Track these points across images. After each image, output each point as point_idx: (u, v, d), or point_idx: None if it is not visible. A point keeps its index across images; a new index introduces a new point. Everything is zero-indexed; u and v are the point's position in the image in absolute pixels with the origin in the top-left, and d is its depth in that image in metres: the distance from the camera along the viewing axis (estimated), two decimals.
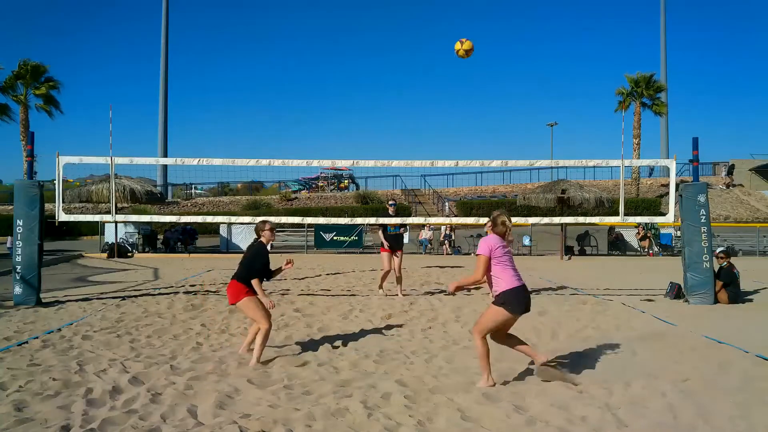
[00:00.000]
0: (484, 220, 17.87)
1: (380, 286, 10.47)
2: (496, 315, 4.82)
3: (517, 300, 4.80)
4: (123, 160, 10.09)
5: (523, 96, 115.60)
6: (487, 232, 5.03)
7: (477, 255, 4.88)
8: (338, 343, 6.53)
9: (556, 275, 13.83)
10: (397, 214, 10.78)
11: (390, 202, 11.03)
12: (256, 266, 5.72)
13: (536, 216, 21.01)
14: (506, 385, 4.97)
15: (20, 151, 29.28)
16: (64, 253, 18.98)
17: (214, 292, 10.52)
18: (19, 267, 8.84)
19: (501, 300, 4.78)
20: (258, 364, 5.55)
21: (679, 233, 15.04)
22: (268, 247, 5.97)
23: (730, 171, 40.13)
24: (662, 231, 21.29)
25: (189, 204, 38.18)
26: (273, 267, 6.01)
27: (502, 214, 4.95)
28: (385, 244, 10.24)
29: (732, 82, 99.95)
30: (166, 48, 46.72)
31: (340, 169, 41.50)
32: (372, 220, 10.26)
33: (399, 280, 10.28)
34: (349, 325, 7.60)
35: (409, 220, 13.82)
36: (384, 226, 10.34)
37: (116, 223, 17.99)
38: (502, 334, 5.06)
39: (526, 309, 4.89)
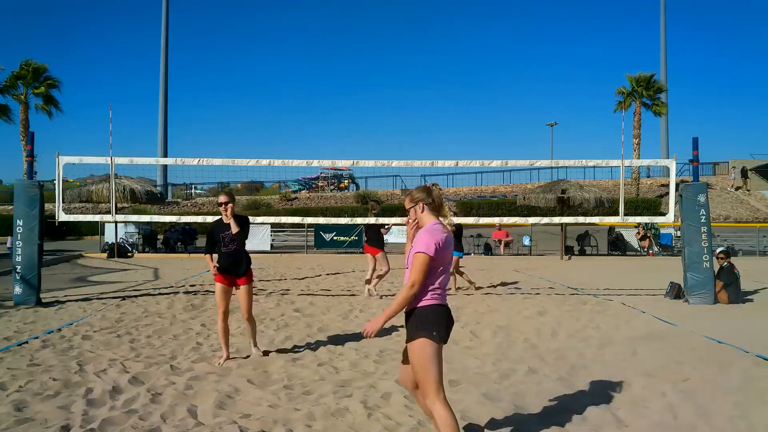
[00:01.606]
0: (484, 220, 17.88)
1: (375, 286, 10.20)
2: (433, 351, 3.19)
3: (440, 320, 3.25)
4: (123, 160, 10.09)
5: (523, 96, 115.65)
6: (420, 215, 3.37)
7: (419, 253, 3.17)
8: (338, 343, 6.53)
9: (556, 275, 13.84)
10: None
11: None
12: (207, 244, 5.82)
13: (536, 216, 21.01)
14: (506, 385, 4.96)
15: (20, 151, 29.32)
16: (64, 253, 18.97)
17: (214, 292, 10.50)
18: (19, 267, 8.84)
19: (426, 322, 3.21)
20: (226, 360, 5.63)
21: (679, 233, 15.05)
22: (230, 224, 5.62)
23: (744, 174, 39.69)
24: (662, 231, 21.30)
25: (189, 204, 38.18)
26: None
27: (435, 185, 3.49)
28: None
29: (732, 82, 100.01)
30: (166, 48, 46.75)
31: (340, 169, 41.50)
32: (372, 220, 10.22)
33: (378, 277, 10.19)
34: (349, 325, 7.60)
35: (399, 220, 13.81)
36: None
37: (116, 223, 17.99)
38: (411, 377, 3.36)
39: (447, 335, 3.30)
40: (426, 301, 3.22)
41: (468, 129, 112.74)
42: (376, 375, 5.24)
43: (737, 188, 39.28)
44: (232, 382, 4.99)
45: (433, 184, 3.48)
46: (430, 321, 3.20)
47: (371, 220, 10.22)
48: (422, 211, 3.36)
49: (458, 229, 10.86)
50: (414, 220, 3.40)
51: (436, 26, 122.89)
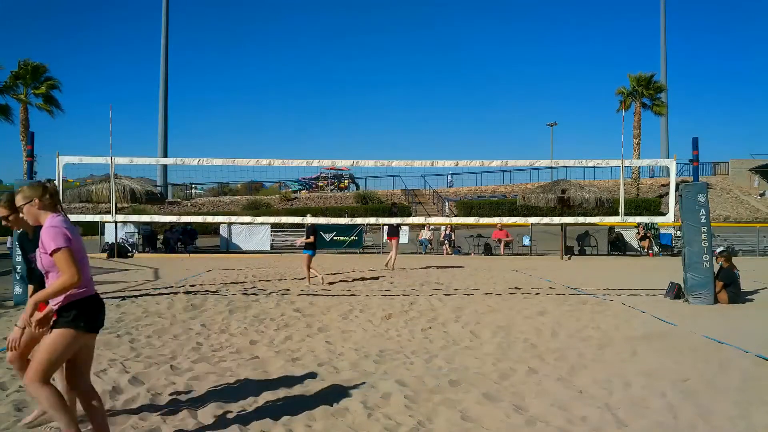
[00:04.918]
0: (484, 220, 17.91)
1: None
2: (67, 340, 3.31)
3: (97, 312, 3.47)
4: (123, 160, 10.09)
5: (523, 96, 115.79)
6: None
7: (57, 250, 3.16)
8: (338, 343, 6.52)
9: (556, 275, 13.83)
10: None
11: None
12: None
13: (536, 216, 21.01)
14: (506, 385, 4.96)
15: (20, 151, 29.29)
16: None
17: (214, 292, 10.51)
18: (19, 267, 8.84)
19: (72, 315, 3.29)
20: None
21: (679, 233, 15.05)
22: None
23: None
24: (662, 231, 21.29)
25: (189, 204, 38.20)
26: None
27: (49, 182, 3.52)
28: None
29: (731, 82, 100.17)
30: (166, 48, 46.71)
31: (340, 169, 41.54)
32: (372, 220, 10.28)
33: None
34: (349, 325, 7.60)
35: (409, 220, 14.15)
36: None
37: (116, 223, 17.99)
38: (78, 369, 3.55)
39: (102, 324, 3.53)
40: (83, 294, 3.34)
41: (468, 129, 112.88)
42: (376, 375, 5.24)
43: (761, 194, 38.62)
44: (232, 382, 4.98)
45: (47, 180, 3.54)
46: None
47: (395, 220, 14.82)
48: (39, 208, 3.38)
49: (313, 230, 11.58)
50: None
51: (437, 27, 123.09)
